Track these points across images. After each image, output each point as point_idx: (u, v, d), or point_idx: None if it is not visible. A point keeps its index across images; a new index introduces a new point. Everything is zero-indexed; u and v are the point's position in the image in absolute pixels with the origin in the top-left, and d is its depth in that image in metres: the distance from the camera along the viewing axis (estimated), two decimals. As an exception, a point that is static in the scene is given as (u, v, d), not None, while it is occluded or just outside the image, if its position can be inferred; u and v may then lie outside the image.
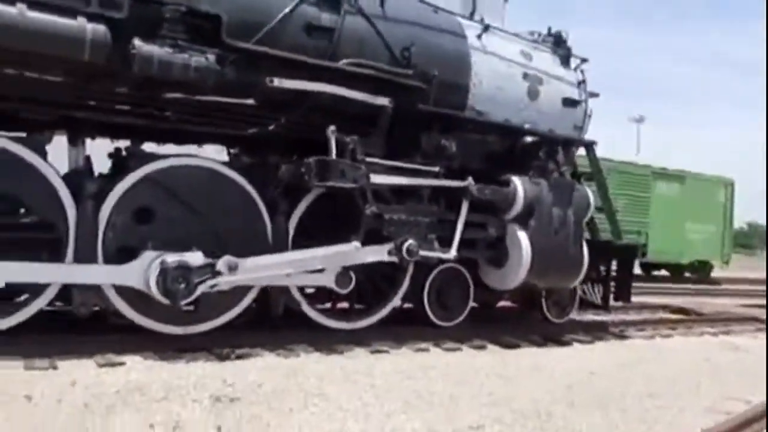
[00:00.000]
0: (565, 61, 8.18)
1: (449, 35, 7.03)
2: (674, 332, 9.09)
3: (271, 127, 5.92)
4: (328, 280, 6.15)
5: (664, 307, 11.66)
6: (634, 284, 8.81)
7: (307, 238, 6.21)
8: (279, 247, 5.95)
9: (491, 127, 7.25)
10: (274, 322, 6.20)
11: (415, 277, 6.86)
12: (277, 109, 5.85)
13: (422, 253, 6.40)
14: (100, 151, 5.99)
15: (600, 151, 8.28)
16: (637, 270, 22.10)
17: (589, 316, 9.35)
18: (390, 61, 6.43)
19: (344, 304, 6.78)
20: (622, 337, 8.39)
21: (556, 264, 7.20)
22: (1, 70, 4.74)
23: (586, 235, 8.38)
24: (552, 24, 9.39)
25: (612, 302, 8.63)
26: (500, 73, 7.37)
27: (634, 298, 13.80)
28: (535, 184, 7.09)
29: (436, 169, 6.51)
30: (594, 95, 8.46)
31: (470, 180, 6.79)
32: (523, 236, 6.98)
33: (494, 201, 6.92)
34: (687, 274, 20.85)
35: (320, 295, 6.62)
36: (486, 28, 7.34)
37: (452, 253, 6.65)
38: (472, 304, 7.30)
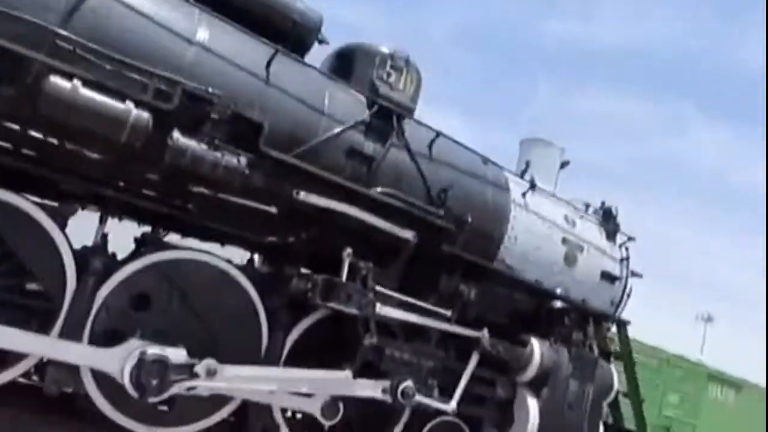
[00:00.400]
0: (611, 235, 8.01)
1: (492, 186, 7.03)
2: None
3: (291, 239, 5.92)
4: (313, 407, 5.82)
5: None
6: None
7: (302, 359, 5.98)
8: (271, 361, 5.73)
9: (519, 284, 7.03)
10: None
11: (410, 423, 6.42)
12: (299, 222, 5.87)
13: (418, 398, 6.01)
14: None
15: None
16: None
17: None
18: (425, 199, 6.44)
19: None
20: None
21: (568, 443, 6.62)
22: (45, 139, 4.98)
23: (608, 419, 7.79)
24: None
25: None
26: (538, 233, 7.25)
27: None
28: (555, 351, 6.70)
29: (449, 313, 6.26)
30: (636, 275, 8.16)
31: (485, 332, 6.49)
32: (532, 403, 6.52)
33: (507, 359, 6.54)
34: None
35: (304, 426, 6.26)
36: (532, 186, 7.33)
37: (452, 404, 6.22)
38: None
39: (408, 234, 6.11)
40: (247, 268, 6.02)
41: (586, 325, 7.31)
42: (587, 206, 8.23)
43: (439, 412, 6.42)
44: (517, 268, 7.06)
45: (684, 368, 18.24)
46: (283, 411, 6.12)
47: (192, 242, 6.37)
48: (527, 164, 7.80)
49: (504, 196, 7.07)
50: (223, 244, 6.68)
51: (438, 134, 6.65)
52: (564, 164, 8.43)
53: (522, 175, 7.69)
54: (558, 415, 6.51)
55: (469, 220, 6.56)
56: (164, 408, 5.40)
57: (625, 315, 7.95)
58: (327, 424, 5.89)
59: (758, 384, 19.57)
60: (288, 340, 5.89)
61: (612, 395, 7.06)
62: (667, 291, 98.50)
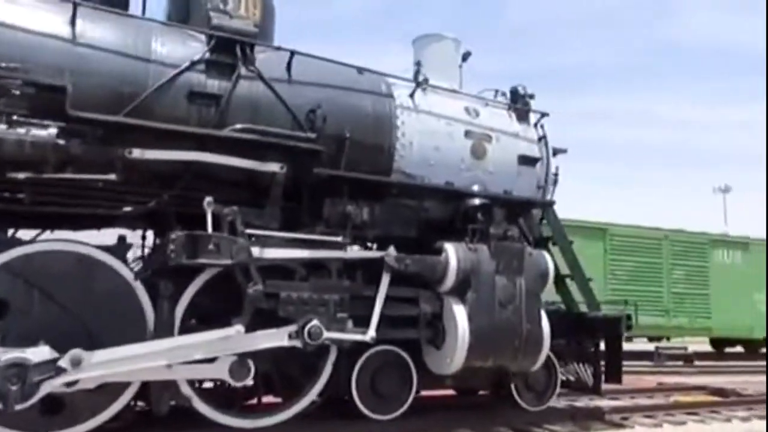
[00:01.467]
0: (524, 116, 7.42)
1: (371, 96, 6.47)
2: (692, 418, 7.65)
3: (151, 204, 5.45)
4: (220, 371, 5.43)
5: (702, 389, 10.07)
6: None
7: (203, 324, 5.57)
8: (162, 336, 5.31)
9: (425, 191, 6.52)
10: (164, 423, 5.50)
11: (340, 363, 6.03)
12: (151, 184, 5.40)
13: (329, 335, 5.59)
14: None
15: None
16: (707, 348, 20.17)
17: (587, 402, 8.08)
18: (291, 125, 5.91)
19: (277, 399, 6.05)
20: (617, 425, 7.09)
21: (505, 342, 6.18)
22: None
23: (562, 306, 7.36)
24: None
25: (619, 384, 7.41)
26: (435, 132, 6.70)
27: (672, 378, 12.37)
28: (473, 250, 6.21)
29: (339, 239, 5.78)
30: (560, 151, 7.60)
31: (390, 250, 6.01)
32: (459, 310, 6.06)
33: (420, 272, 6.08)
34: (762, 350, 18.45)
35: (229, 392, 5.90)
36: (418, 85, 6.75)
37: (370, 333, 5.79)
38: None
39: (273, 167, 5.61)
40: (116, 247, 5.57)
41: (511, 217, 6.82)
42: (496, 93, 7.63)
43: (371, 344, 6.02)
44: (419, 175, 6.55)
45: (684, 241, 17.79)
46: (200, 382, 5.77)
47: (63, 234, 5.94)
48: (418, 64, 7.19)
49: (386, 103, 6.51)
50: (99, 228, 6.23)
51: (292, 53, 6.08)
52: (465, 56, 7.80)
53: (416, 77, 7.09)
54: (489, 316, 6.06)
55: (348, 135, 6.03)
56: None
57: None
58: (240, 385, 5.50)
59: (764, 238, 19.01)
60: (177, 310, 5.46)
61: (549, 282, 6.58)
62: (687, 173, 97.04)
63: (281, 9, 6.64)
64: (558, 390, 7.21)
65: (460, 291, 6.13)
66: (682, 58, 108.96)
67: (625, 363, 15.85)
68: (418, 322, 6.14)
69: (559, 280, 7.17)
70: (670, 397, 9.26)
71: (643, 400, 8.74)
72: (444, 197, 6.63)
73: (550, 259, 6.64)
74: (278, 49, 6.14)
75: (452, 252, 6.13)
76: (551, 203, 7.02)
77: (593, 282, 7.76)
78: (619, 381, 7.24)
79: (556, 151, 7.54)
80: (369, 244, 6.38)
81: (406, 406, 6.27)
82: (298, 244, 5.67)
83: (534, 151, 7.26)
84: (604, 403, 8.00)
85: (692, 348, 18.49)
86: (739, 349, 19.41)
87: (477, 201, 6.62)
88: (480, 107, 7.16)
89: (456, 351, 5.99)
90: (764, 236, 18.99)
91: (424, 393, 6.79)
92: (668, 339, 18.10)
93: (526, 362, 6.38)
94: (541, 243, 7.07)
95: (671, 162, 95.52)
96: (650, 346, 17.89)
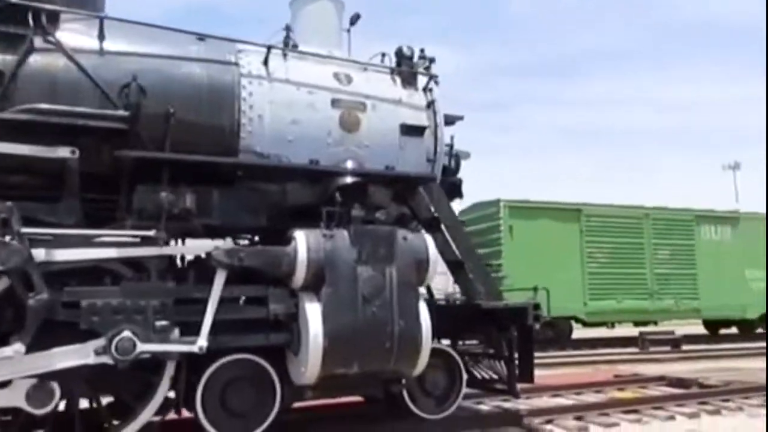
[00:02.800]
0: (409, 80, 6.45)
1: (208, 65, 5.55)
2: (628, 418, 6.66)
3: None
4: (16, 398, 4.55)
5: (660, 379, 9.04)
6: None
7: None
8: (-61, 359, 4.45)
9: (276, 173, 5.59)
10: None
11: (181, 378, 5.13)
12: None
13: (146, 347, 4.69)
14: None
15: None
16: (702, 330, 18.99)
17: (506, 405, 7.11)
18: (100, 102, 5.02)
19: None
20: (532, 430, 6.13)
21: (372, 343, 5.22)
22: None
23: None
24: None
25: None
26: (292, 103, 5.76)
27: (654, 367, 11.34)
28: (328, 237, 5.27)
29: (151, 233, 4.86)
30: (456, 118, 6.63)
31: (224, 243, 5.10)
32: (312, 310, 5.12)
33: (261, 267, 5.15)
34: (759, 330, 17.30)
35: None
36: (270, 50, 5.81)
37: (200, 343, 4.87)
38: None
39: (63, 152, 4.71)
40: None
41: (395, 196, 5.88)
42: (383, 56, 6.67)
43: (222, 353, 5.14)
44: (276, 154, 5.62)
45: (667, 218, 16.68)
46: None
47: None
48: (287, 28, 6.27)
49: (228, 73, 5.58)
50: None
51: (102, 19, 5.18)
52: (354, 19, 6.84)
53: (286, 43, 6.17)
54: (349, 314, 5.12)
55: (172, 112, 5.13)
56: None
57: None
58: (40, 413, 4.62)
59: (758, 212, 17.81)
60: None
61: (431, 270, 5.62)
62: (695, 153, 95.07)
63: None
64: (462, 393, 6.24)
65: (315, 286, 5.19)
66: (682, 38, 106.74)
67: (608, 351, 15.18)
68: (268, 326, 5.21)
69: (456, 267, 6.19)
70: (614, 392, 8.22)
71: (571, 399, 7.72)
72: (308, 178, 5.69)
73: (431, 243, 5.67)
74: (98, 17, 5.24)
75: (302, 241, 5.20)
76: (431, 178, 6.03)
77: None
78: (530, 379, 6.26)
79: (450, 119, 6.57)
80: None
81: (265, 424, 5.34)
82: (106, 241, 4.77)
83: (421, 119, 6.28)
84: (524, 404, 7.02)
85: (684, 332, 17.37)
86: (734, 330, 18.24)
87: (347, 180, 5.68)
88: (354, 72, 6.21)
89: (309, 357, 5.06)
90: (756, 210, 17.83)
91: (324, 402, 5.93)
92: (656, 323, 16.99)
93: (402, 365, 5.42)
94: (435, 225, 6.09)
95: (678, 144, 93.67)
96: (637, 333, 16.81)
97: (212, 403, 5.21)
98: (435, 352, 6.02)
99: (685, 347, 15.60)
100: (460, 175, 7.00)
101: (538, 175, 75.24)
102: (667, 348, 15.53)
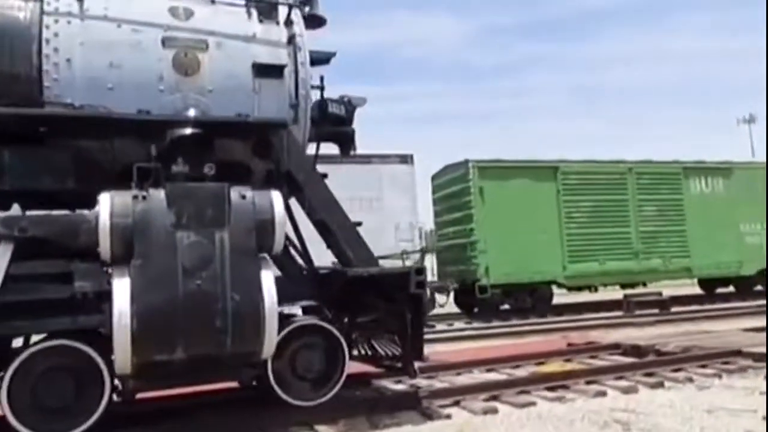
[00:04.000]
0: (268, 13, 5.48)
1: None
2: (549, 395, 5.75)
3: None
4: None
5: (615, 347, 8.09)
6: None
7: None
8: None
9: (99, 125, 4.70)
10: None
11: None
12: None
13: None
14: None
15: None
16: (697, 290, 17.89)
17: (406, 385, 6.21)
18: None
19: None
20: (427, 416, 5.25)
21: (198, 323, 4.35)
22: None
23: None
24: None
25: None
26: (110, 44, 4.85)
27: (639, 331, 10.40)
28: (139, 199, 4.37)
29: None
30: (329, 55, 5.66)
31: (13, 209, 4.23)
32: (119, 287, 4.25)
33: (53, 237, 4.28)
34: (759, 288, 16.13)
35: None
36: (86, -17, 4.88)
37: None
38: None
39: None
40: None
41: (245, 147, 4.98)
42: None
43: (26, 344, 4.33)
44: (91, 105, 4.73)
45: (652, 172, 15.54)
46: None
47: None
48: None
49: (24, 11, 4.69)
50: None
51: None
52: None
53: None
54: (166, 289, 4.25)
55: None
56: None
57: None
58: None
59: (752, 161, 16.55)
60: None
61: (278, 235, 4.70)
62: (709, 107, 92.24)
63: None
64: (344, 375, 5.35)
65: (124, 257, 4.32)
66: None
67: (591, 316, 14.20)
68: (67, 306, 4.35)
69: (322, 228, 5.27)
70: (554, 364, 7.29)
71: (502, 375, 6.81)
72: (135, 133, 4.79)
73: (279, 202, 4.75)
74: None
75: (105, 204, 4.32)
76: (281, 124, 5.06)
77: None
78: (419, 357, 5.36)
79: (320, 56, 5.61)
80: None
81: (91, 421, 4.52)
82: None
83: (279, 56, 5.33)
84: (440, 383, 6.14)
85: (678, 293, 16.32)
86: (732, 289, 17.09)
87: (185, 131, 4.78)
88: (197, 6, 5.26)
89: (117, 343, 4.21)
90: (750, 160, 16.57)
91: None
92: (644, 285, 15.93)
93: (243, 347, 4.55)
94: (291, 181, 5.15)
95: (691, 98, 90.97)
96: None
97: (22, 398, 4.40)
98: (310, 329, 5.19)
99: (674, 309, 14.57)
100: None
101: (553, 139, 73.53)
102: (656, 311, 14.51)
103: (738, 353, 7.16)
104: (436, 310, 14.96)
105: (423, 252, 5.22)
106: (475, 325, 13.30)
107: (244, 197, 4.62)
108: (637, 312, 14.34)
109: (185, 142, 4.76)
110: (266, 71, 5.24)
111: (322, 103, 6.08)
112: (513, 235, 14.14)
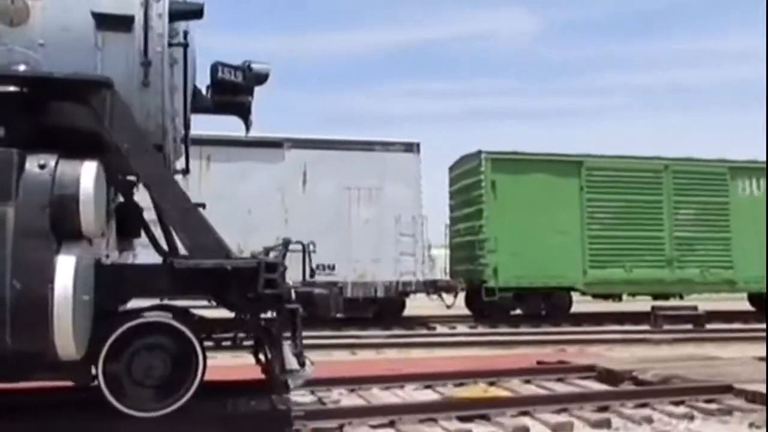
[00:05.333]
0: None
1: None
2: (462, 426, 4.72)
3: None
4: None
5: (589, 369, 6.89)
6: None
7: None
8: None
9: None
10: None
11: None
12: None
13: None
14: None
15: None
16: (745, 305, 15.98)
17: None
18: None
19: None
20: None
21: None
22: None
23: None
24: None
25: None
26: None
27: (657, 351, 9.06)
28: None
29: None
30: (196, 7, 4.76)
31: None
32: None
33: None
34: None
35: None
36: None
37: None
38: None
39: None
40: None
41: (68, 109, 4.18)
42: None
43: None
44: None
45: (693, 171, 13.90)
46: None
47: None
48: None
49: None
50: None
51: None
52: None
53: None
54: None
55: None
56: None
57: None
58: None
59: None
60: None
61: (85, 211, 3.84)
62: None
63: None
64: (196, 383, 4.48)
65: None
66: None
67: (610, 328, 12.77)
68: None
69: (157, 210, 4.40)
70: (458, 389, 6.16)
71: (380, 394, 5.77)
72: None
73: (89, 175, 3.91)
74: None
75: None
76: (99, 82, 4.19)
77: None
78: (283, 369, 4.39)
79: (186, 8, 4.71)
80: None
81: None
82: None
83: (126, 6, 4.48)
84: (312, 401, 5.19)
85: (717, 308, 14.58)
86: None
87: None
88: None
89: None
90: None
91: None
92: (681, 297, 14.30)
93: (26, 343, 3.76)
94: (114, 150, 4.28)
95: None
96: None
97: None
98: (153, 328, 4.38)
99: (711, 326, 12.95)
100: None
101: (618, 138, 70.23)
102: (688, 327, 12.94)
103: (728, 389, 5.85)
104: (442, 312, 13.92)
105: (286, 246, 4.36)
106: (478, 330, 12.20)
107: (43, 167, 3.82)
108: (666, 327, 12.86)
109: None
110: (111, 23, 4.41)
111: (214, 67, 5.26)
112: (527, 235, 12.92)
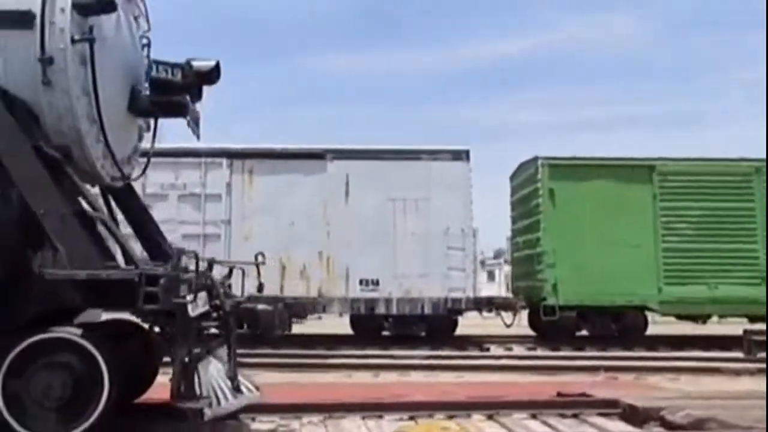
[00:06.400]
0: None
1: None
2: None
3: None
4: None
5: (610, 405, 5.84)
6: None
7: None
8: None
9: None
10: None
11: None
12: None
13: None
14: None
15: None
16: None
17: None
18: None
19: None
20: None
21: None
22: None
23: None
24: None
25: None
26: None
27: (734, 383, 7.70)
28: None
29: None
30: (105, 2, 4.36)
31: None
32: None
33: None
34: None
35: None
36: None
37: None
38: None
39: None
40: None
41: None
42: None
43: None
44: None
45: (711, 173, 12.07)
46: None
47: None
48: None
49: None
50: None
51: None
52: None
53: None
54: None
55: None
56: None
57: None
58: None
59: None
60: None
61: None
62: None
63: None
64: (101, 406, 4.01)
65: None
66: None
67: (690, 354, 11.26)
68: None
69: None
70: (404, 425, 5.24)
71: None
72: None
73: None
74: None
75: None
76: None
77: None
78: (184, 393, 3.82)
79: (96, 2, 4.31)
80: None
81: None
82: None
83: (26, 1, 4.16)
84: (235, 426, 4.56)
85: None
86: None
87: None
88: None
89: None
90: None
91: None
92: (783, 319, 12.44)
93: None
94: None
95: None
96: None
97: None
98: (58, 344, 4.01)
99: (814, 353, 11.10)
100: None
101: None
102: (787, 353, 11.17)
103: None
104: (500, 331, 12.91)
105: (179, 256, 3.84)
106: (529, 353, 11.14)
107: None
108: (762, 355, 11.17)
109: None
110: (9, 19, 4.11)
111: (148, 66, 4.88)
112: (590, 248, 11.73)
